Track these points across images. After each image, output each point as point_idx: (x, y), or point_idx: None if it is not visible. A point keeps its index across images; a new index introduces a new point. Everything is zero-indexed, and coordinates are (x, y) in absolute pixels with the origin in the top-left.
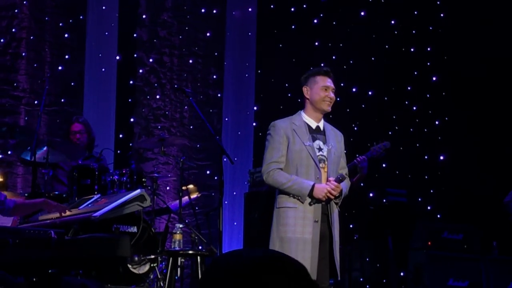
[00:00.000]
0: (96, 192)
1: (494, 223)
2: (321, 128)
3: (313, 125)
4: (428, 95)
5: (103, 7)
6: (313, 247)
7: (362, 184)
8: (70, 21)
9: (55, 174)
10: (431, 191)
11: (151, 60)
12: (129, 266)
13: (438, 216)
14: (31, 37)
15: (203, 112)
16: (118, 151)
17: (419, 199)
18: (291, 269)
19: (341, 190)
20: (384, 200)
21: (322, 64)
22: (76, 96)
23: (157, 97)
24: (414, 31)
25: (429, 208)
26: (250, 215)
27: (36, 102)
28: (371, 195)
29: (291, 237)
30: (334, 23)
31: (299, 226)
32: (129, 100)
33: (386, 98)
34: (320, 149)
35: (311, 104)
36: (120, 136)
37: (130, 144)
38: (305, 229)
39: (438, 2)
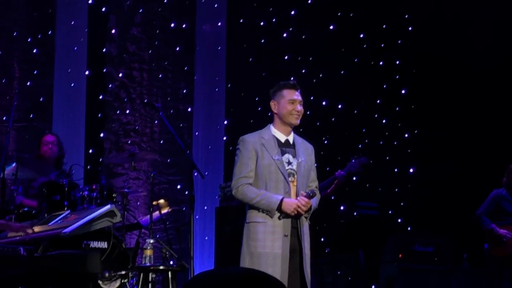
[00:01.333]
0: (66, 208)
1: (465, 235)
2: (291, 142)
3: (282, 138)
4: (397, 108)
5: (72, 22)
6: (283, 261)
7: (333, 198)
8: (39, 36)
9: (25, 190)
10: (402, 204)
11: (120, 75)
12: (100, 282)
13: (409, 228)
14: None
15: (173, 127)
16: (88, 167)
17: (390, 212)
18: (270, 287)
19: (310, 206)
20: (355, 214)
21: (292, 78)
22: (45, 111)
23: (127, 112)
24: (383, 45)
25: (399, 220)
26: (221, 229)
27: (4, 118)
28: (342, 208)
29: (261, 252)
30: (303, 37)
31: (269, 240)
32: (99, 115)
33: (355, 111)
34: (289, 163)
35: (279, 118)
36: (90, 151)
37: (100, 160)
38: (275, 244)
39: (406, 16)
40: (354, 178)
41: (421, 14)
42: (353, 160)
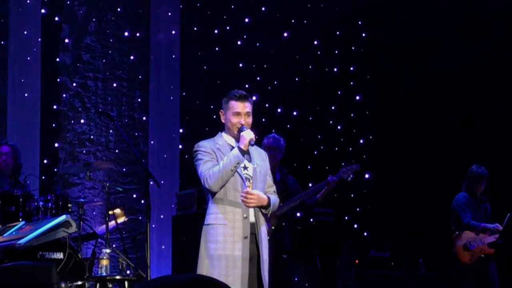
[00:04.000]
0: (20, 219)
1: (420, 240)
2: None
3: (235, 145)
4: (352, 114)
5: (25, 32)
6: (243, 263)
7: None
8: None
9: None
10: (357, 209)
11: (74, 84)
12: None
13: (365, 234)
14: None
15: (128, 136)
16: (43, 177)
17: (346, 218)
18: None
19: (269, 201)
20: (312, 220)
21: (246, 85)
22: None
23: (82, 121)
24: (337, 51)
25: (355, 226)
26: (177, 238)
27: None
28: (298, 215)
29: (221, 254)
30: (257, 44)
31: (229, 243)
32: (54, 125)
33: (311, 118)
34: (245, 168)
35: (227, 128)
36: (45, 161)
37: (55, 170)
38: (235, 246)
39: (359, 23)
40: (310, 185)
41: (375, 20)
42: (344, 167)
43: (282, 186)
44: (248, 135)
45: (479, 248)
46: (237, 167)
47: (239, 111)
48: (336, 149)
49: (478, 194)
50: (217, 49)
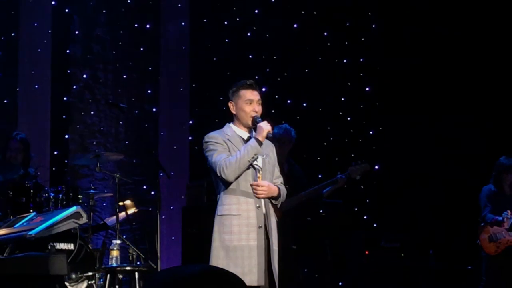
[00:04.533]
0: (31, 210)
1: (430, 231)
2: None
3: (245, 136)
4: (361, 106)
5: (35, 24)
6: (259, 253)
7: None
8: (2, 38)
9: None
10: (367, 200)
11: (85, 76)
12: (67, 284)
13: (375, 225)
14: None
15: (138, 127)
16: (54, 168)
17: (356, 209)
18: (229, 282)
19: (279, 191)
20: (321, 211)
21: (256, 77)
22: (9, 113)
23: (92, 113)
24: (346, 43)
25: (365, 217)
26: (187, 229)
27: None
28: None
29: (236, 245)
30: (267, 35)
31: (244, 233)
32: (64, 116)
33: (320, 110)
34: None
35: (238, 119)
36: (55, 153)
37: (66, 161)
38: (250, 236)
39: (369, 14)
40: (320, 176)
41: (385, 11)
42: (353, 166)
43: (290, 178)
44: (266, 126)
45: (505, 239)
46: (254, 158)
47: (252, 98)
48: (346, 140)
49: (506, 186)
50: (227, 40)
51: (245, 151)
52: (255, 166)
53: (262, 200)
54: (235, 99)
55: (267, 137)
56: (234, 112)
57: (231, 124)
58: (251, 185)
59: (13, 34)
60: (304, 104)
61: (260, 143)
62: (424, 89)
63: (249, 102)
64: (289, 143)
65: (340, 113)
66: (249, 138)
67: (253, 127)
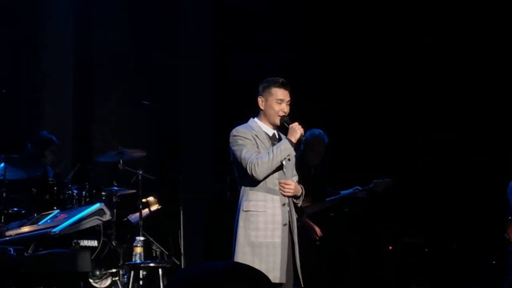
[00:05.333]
0: (55, 208)
1: (455, 226)
2: (277, 136)
3: (270, 132)
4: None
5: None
6: (283, 250)
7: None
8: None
9: (14, 190)
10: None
11: (107, 72)
12: (91, 280)
13: (398, 220)
14: None
15: (160, 124)
16: (77, 165)
17: (378, 205)
18: (254, 278)
19: (302, 191)
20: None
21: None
22: (33, 109)
23: (115, 110)
24: (367, 60)
25: (388, 213)
26: (211, 225)
27: None
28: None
29: (262, 241)
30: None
31: (269, 230)
32: (87, 113)
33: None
34: None
35: (265, 115)
36: (78, 150)
37: (89, 158)
38: (275, 233)
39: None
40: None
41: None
42: (376, 180)
43: (314, 183)
44: (300, 129)
45: None
46: (286, 159)
47: (283, 98)
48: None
49: None
50: None
51: (278, 152)
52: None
53: (287, 198)
54: (265, 95)
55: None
56: (262, 108)
57: (256, 119)
58: (279, 182)
59: (34, 40)
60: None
61: (292, 144)
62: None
63: (279, 101)
64: (318, 149)
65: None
66: (274, 135)
67: (280, 127)
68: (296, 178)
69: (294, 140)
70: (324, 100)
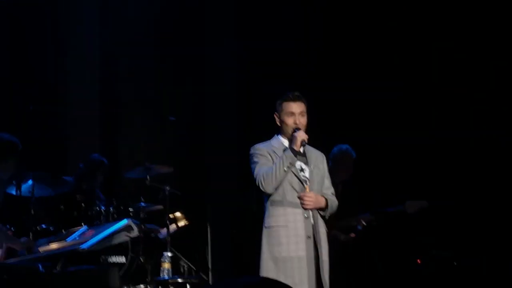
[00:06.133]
0: (83, 224)
1: (484, 238)
2: (301, 150)
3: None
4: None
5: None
6: (309, 264)
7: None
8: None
9: (42, 207)
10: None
11: (133, 88)
12: None
13: (425, 232)
14: None
15: (187, 139)
16: (104, 182)
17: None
18: None
19: (326, 202)
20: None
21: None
22: (59, 124)
23: (142, 125)
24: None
25: (415, 225)
26: (237, 240)
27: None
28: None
29: (286, 256)
30: None
31: (293, 244)
32: (113, 128)
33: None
34: (302, 170)
35: (282, 131)
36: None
37: (116, 174)
38: (299, 246)
39: None
40: None
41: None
42: (410, 201)
43: (342, 200)
44: (300, 135)
45: None
46: (290, 167)
47: (293, 111)
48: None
49: None
50: None
51: (279, 161)
52: (302, 177)
53: (310, 210)
54: (279, 112)
55: (329, 155)
56: (278, 124)
57: (278, 136)
58: (298, 196)
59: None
60: None
61: (294, 152)
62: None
63: (290, 114)
64: (345, 165)
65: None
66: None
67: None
68: (330, 190)
69: (296, 147)
70: (356, 116)
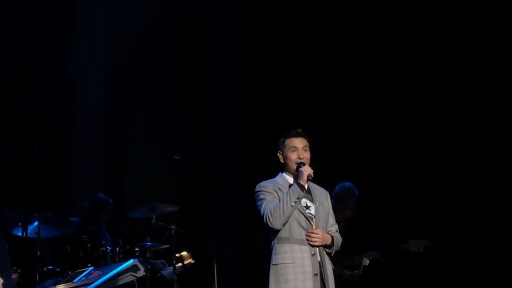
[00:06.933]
0: (89, 265)
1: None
2: (306, 187)
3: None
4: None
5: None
6: None
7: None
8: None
9: (48, 248)
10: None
11: (138, 121)
12: None
13: (434, 266)
14: None
15: (192, 178)
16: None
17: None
18: None
19: (332, 240)
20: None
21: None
22: (65, 163)
23: (147, 163)
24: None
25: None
26: (244, 278)
27: None
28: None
29: None
30: None
31: (300, 281)
32: (118, 165)
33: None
34: (307, 207)
35: (287, 168)
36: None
37: (121, 213)
38: (306, 284)
39: None
40: None
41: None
42: (413, 240)
43: (345, 237)
44: (306, 170)
45: None
46: (297, 203)
47: (296, 145)
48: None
49: None
50: None
51: (287, 196)
52: (308, 214)
53: (317, 248)
54: (282, 149)
55: (333, 193)
56: (282, 161)
57: (283, 173)
58: (305, 234)
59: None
60: None
61: (301, 187)
62: None
63: (293, 149)
64: (348, 203)
65: None
66: (301, 187)
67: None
68: (335, 227)
69: (302, 182)
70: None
